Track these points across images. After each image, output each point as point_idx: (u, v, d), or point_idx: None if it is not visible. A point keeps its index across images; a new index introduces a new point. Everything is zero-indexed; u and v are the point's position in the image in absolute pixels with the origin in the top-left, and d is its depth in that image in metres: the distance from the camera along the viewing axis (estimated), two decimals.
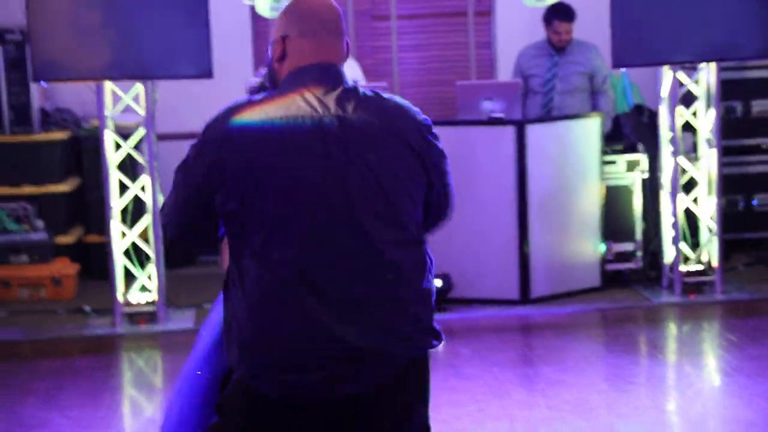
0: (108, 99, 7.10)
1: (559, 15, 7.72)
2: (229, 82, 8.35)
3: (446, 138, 8.13)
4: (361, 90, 2.94)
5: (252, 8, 7.41)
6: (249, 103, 2.88)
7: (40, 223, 8.03)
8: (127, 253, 7.23)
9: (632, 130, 8.04)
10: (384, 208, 2.90)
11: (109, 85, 7.09)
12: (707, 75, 7.47)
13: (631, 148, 7.76)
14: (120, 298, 7.12)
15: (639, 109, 8.29)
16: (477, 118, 7.51)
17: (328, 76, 2.93)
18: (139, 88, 7.11)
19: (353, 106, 2.89)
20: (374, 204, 2.87)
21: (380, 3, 9.00)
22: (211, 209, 2.87)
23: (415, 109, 3.00)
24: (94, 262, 8.06)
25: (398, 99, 3.02)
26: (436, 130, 3.02)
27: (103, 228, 7.32)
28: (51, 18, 6.78)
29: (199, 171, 2.88)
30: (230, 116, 2.85)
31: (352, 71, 7.98)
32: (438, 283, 7.21)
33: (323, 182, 2.82)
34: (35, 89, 8.06)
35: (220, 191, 2.82)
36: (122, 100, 7.19)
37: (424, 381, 3.02)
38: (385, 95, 2.98)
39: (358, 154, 2.85)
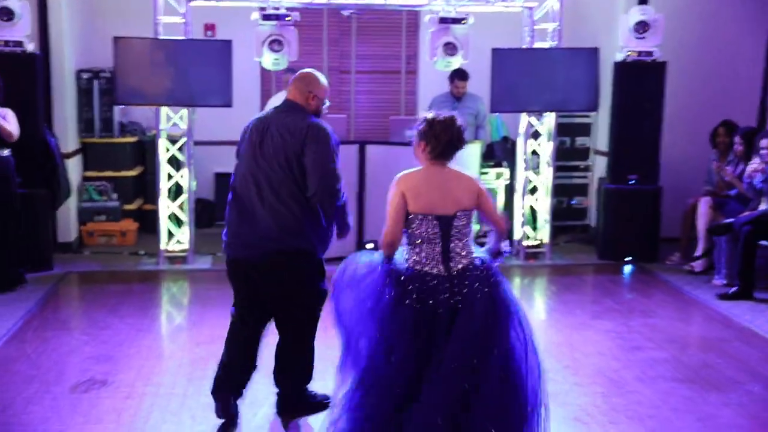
0: (163, 117, 7.05)
1: (458, 75, 7.71)
2: (242, 110, 8.34)
3: (381, 154, 8.06)
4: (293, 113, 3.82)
5: (260, 62, 7.35)
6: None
7: (114, 196, 7.94)
8: (170, 217, 7.23)
9: (501, 153, 8.05)
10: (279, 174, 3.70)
11: (164, 109, 7.04)
12: (549, 120, 7.52)
13: (499, 165, 7.73)
14: (163, 246, 7.09)
15: (506, 139, 8.31)
16: (402, 141, 7.43)
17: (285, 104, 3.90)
18: (183, 111, 7.05)
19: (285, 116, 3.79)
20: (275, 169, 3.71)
21: (345, 62, 8.93)
22: None
23: (320, 127, 3.78)
24: (149, 222, 7.99)
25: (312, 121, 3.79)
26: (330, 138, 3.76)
27: (155, 200, 7.26)
28: (129, 63, 6.73)
29: None
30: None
31: None
32: (370, 245, 7.27)
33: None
34: (117, 109, 7.95)
35: None
36: (172, 118, 7.13)
37: (287, 268, 3.79)
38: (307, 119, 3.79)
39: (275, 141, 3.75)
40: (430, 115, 3.51)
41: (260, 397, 4.34)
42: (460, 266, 3.39)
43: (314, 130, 3.73)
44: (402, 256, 3.46)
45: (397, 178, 3.48)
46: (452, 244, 3.40)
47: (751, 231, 6.22)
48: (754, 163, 6.47)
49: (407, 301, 3.33)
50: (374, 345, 3.37)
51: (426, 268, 3.39)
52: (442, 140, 3.44)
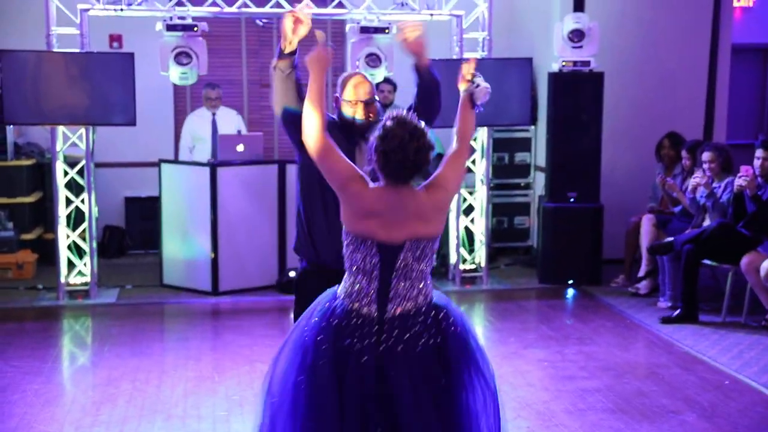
0: (60, 138, 6.97)
1: (383, 80, 7.59)
2: (153, 129, 8.33)
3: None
4: None
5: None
6: None
7: (9, 224, 7.79)
8: (70, 247, 7.13)
9: (433, 170, 8.11)
10: None
11: (60, 128, 6.95)
12: (482, 135, 7.55)
13: None
14: (63, 279, 6.98)
15: (440, 156, 8.30)
16: None
17: None
18: (82, 130, 6.96)
19: None
20: None
21: (266, 75, 8.94)
22: None
23: None
24: (50, 253, 7.72)
25: None
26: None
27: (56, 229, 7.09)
28: (18, 79, 6.63)
29: None
30: None
31: (235, 121, 7.97)
32: (292, 273, 7.23)
33: None
34: (10, 128, 7.83)
35: None
36: (71, 139, 7.05)
37: None
38: None
39: None
40: (389, 121, 3.00)
41: None
42: (399, 310, 2.95)
43: None
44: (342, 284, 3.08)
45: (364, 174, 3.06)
46: (394, 282, 2.96)
47: (692, 250, 6.37)
48: (697, 177, 6.65)
49: (333, 343, 2.92)
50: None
51: (356, 305, 2.96)
52: (392, 160, 2.97)
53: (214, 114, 7.78)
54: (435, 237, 3.03)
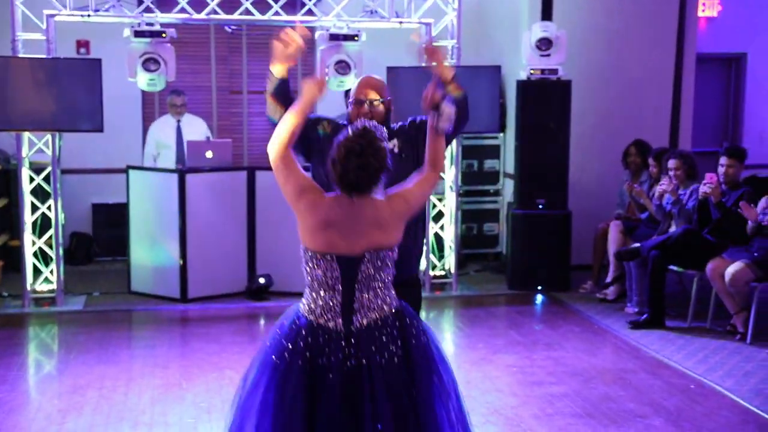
0: (25, 144, 6.90)
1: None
2: (121, 135, 8.27)
3: (273, 180, 8.07)
4: None
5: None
6: None
7: None
8: (36, 254, 7.05)
9: None
10: None
11: (26, 134, 6.88)
12: (451, 142, 7.64)
13: None
14: (29, 286, 6.89)
15: None
16: None
17: None
18: (48, 136, 6.88)
19: None
20: None
21: (235, 82, 8.93)
22: None
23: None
24: (16, 260, 7.61)
25: None
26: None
27: (22, 235, 6.99)
28: None
29: None
30: None
31: (201, 128, 7.91)
32: (262, 280, 7.23)
33: None
34: None
35: None
36: (36, 145, 6.99)
37: None
38: None
39: None
40: (351, 129, 2.96)
41: None
42: (365, 321, 2.96)
43: None
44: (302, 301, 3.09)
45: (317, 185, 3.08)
46: (357, 294, 2.97)
47: (658, 256, 6.44)
48: (663, 184, 6.72)
49: (300, 362, 2.92)
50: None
51: (321, 321, 2.96)
52: (335, 171, 2.95)
53: (179, 121, 7.73)
54: (393, 245, 3.03)
